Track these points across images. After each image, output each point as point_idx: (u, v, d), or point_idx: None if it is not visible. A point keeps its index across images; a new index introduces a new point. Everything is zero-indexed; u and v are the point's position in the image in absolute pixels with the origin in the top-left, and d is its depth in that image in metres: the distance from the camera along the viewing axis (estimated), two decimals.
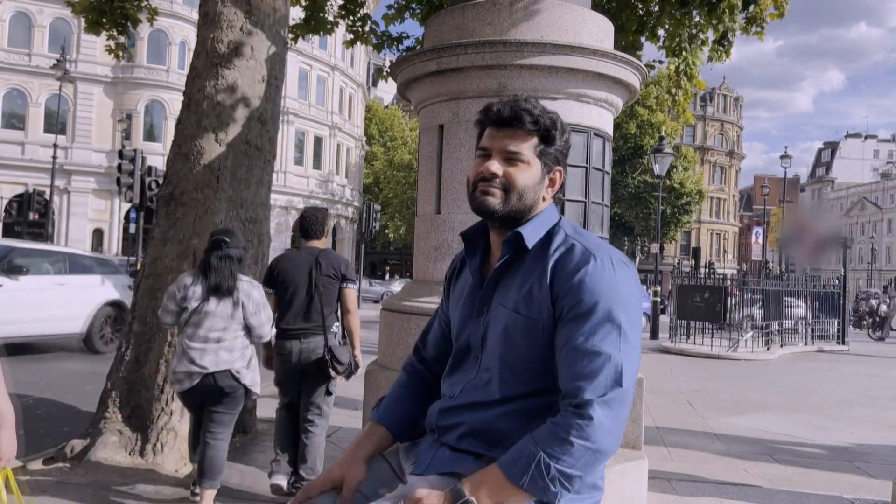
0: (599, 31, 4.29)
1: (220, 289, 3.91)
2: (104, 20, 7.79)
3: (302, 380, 4.42)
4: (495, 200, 1.61)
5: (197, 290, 3.92)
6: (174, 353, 4.13)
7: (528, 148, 1.63)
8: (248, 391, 4.03)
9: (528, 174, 1.63)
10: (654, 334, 18.19)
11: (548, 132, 1.63)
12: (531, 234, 1.62)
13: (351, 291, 4.55)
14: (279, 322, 4.41)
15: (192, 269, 4.19)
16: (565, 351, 1.50)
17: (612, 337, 1.48)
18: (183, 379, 3.91)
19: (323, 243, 4.59)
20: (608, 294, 1.49)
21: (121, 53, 8.37)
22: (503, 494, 1.45)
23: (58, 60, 26.75)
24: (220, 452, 3.96)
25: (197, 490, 4.03)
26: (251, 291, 4.01)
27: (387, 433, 1.75)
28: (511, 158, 1.62)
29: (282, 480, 4.31)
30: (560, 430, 1.44)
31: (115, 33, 8.04)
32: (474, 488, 1.45)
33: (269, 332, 4.14)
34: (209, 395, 3.93)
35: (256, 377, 4.09)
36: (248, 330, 4.01)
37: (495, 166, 1.62)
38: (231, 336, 3.93)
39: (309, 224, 4.53)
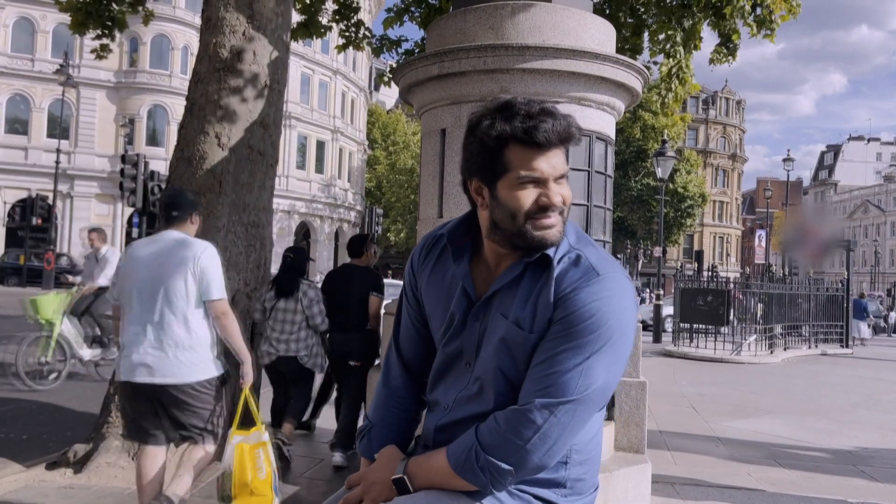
0: (601, 34, 4.29)
1: (285, 291, 5.34)
2: (90, 21, 7.85)
3: (345, 362, 5.48)
4: (559, 230, 1.49)
5: (272, 293, 5.38)
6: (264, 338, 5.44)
7: (566, 161, 1.52)
8: (311, 371, 5.47)
9: (569, 186, 1.52)
10: (656, 338, 18.15)
11: (577, 142, 1.53)
12: (552, 250, 1.51)
13: (374, 299, 5.55)
14: (330, 319, 5.49)
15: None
16: (538, 360, 1.46)
17: (587, 353, 1.42)
18: (264, 356, 5.37)
19: (364, 261, 5.76)
20: (603, 312, 1.43)
21: (104, 55, 8.43)
22: (443, 477, 1.50)
23: (61, 65, 26.88)
24: (298, 404, 5.59)
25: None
26: (307, 291, 5.37)
27: None
28: (560, 179, 1.49)
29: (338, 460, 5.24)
30: (497, 424, 1.46)
31: (101, 34, 8.09)
32: (416, 468, 1.54)
33: (321, 321, 5.37)
34: (284, 372, 5.43)
35: (317, 361, 5.47)
36: (307, 322, 5.34)
37: (558, 196, 1.47)
38: (297, 328, 5.31)
39: (350, 246, 5.85)
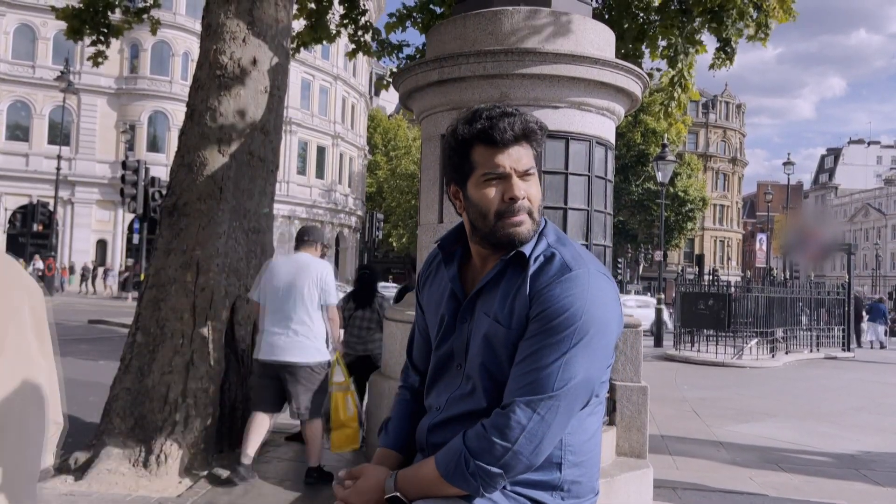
0: (601, 39, 4.30)
1: (364, 303, 6.23)
2: (86, 28, 7.92)
3: None
4: (528, 227, 1.55)
5: (351, 304, 6.24)
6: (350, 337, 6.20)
7: (533, 159, 1.58)
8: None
9: (538, 186, 1.59)
10: (657, 342, 18.13)
11: (542, 139, 1.59)
12: (528, 248, 1.57)
13: None
14: None
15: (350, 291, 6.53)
16: (518, 359, 1.50)
17: (564, 348, 1.46)
18: (347, 355, 5.84)
19: None
20: (577, 307, 1.47)
21: (101, 61, 8.49)
22: (433, 485, 1.52)
23: (61, 72, 26.90)
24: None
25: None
26: (383, 303, 6.26)
27: (398, 456, 1.74)
28: (526, 176, 1.55)
29: None
30: (484, 429, 1.48)
31: (97, 41, 8.16)
32: (405, 481, 1.55)
33: None
34: (359, 368, 5.86)
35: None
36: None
37: (522, 190, 1.53)
38: (372, 333, 6.11)
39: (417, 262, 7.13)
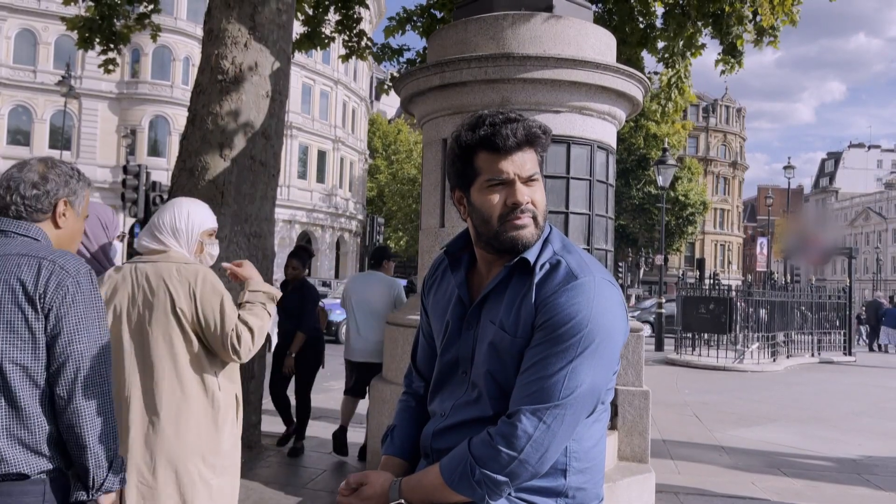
0: (602, 44, 4.31)
1: None
2: (96, 37, 7.96)
3: None
4: (531, 230, 1.55)
5: None
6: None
7: (538, 165, 1.57)
8: None
9: (543, 191, 1.58)
10: (659, 346, 18.12)
11: (546, 144, 1.59)
12: (533, 255, 1.56)
13: None
14: None
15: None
16: (524, 367, 1.50)
17: (570, 356, 1.45)
18: None
19: None
20: (583, 315, 1.46)
21: (112, 68, 8.52)
22: (438, 493, 1.52)
23: (63, 77, 26.94)
24: None
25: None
26: None
27: (404, 463, 1.73)
28: (530, 181, 1.55)
29: None
30: (490, 437, 1.48)
31: (106, 49, 8.21)
32: (409, 488, 1.55)
33: None
34: None
35: None
36: None
37: (526, 195, 1.54)
38: None
39: None
